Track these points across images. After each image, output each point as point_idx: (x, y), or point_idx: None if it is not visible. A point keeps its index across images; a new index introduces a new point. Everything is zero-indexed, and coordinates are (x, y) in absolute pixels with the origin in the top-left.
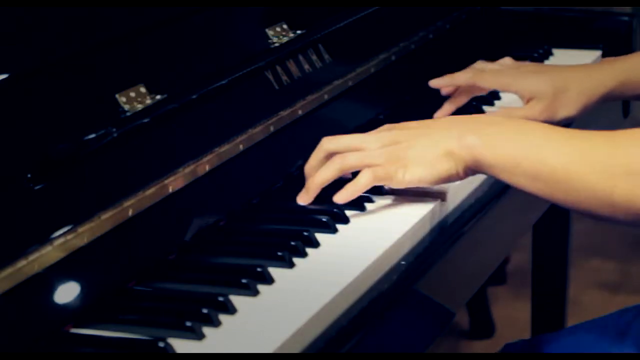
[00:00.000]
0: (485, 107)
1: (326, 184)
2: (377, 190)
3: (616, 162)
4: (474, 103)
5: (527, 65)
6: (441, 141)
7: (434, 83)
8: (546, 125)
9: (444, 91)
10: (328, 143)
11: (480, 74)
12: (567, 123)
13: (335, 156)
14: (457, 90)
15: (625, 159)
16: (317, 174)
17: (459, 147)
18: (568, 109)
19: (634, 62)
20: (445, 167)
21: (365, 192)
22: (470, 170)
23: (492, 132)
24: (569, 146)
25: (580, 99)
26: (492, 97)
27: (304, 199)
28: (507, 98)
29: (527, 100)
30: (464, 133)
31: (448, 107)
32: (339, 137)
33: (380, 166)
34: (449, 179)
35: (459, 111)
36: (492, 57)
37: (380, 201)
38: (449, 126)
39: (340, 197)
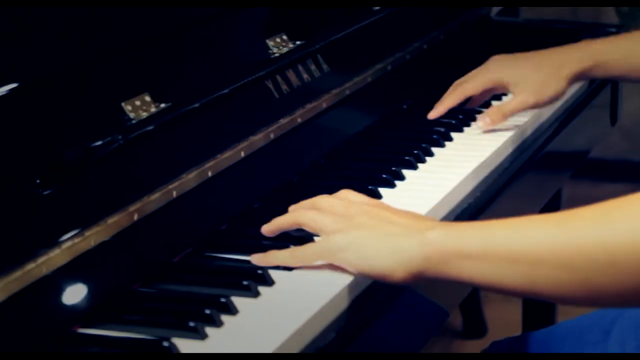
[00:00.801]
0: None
1: (282, 230)
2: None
3: (612, 221)
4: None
5: (498, 58)
6: (394, 237)
7: (432, 116)
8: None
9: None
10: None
11: (463, 86)
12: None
13: (301, 208)
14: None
15: (622, 216)
16: (279, 218)
17: (416, 245)
18: (554, 87)
19: (611, 43)
20: (386, 265)
21: None
22: (416, 275)
23: (459, 227)
24: (551, 221)
25: (563, 75)
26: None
27: (264, 230)
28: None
29: (516, 89)
30: (427, 229)
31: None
32: (315, 198)
33: (325, 235)
34: (382, 278)
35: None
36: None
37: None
38: (413, 220)
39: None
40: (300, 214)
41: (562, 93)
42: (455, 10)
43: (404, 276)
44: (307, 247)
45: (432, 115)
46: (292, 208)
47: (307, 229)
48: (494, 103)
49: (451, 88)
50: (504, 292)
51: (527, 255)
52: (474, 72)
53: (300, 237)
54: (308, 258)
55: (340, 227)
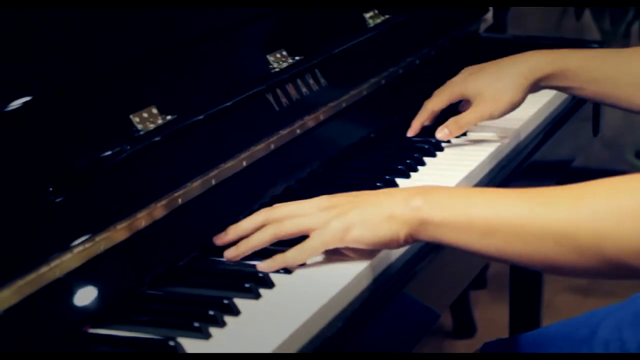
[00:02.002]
0: None
1: (258, 248)
2: None
3: (579, 205)
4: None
5: (467, 69)
6: (385, 204)
7: (410, 134)
8: (493, 188)
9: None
10: (267, 212)
11: (431, 101)
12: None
13: (271, 222)
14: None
15: (588, 202)
16: (253, 237)
17: (403, 209)
18: (509, 97)
19: (571, 53)
20: (387, 230)
21: None
22: (411, 237)
23: (438, 195)
24: (524, 198)
25: (520, 84)
26: None
27: (231, 254)
28: None
29: (474, 101)
30: (408, 197)
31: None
32: (277, 207)
33: (319, 230)
34: (389, 244)
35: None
36: None
37: None
38: (392, 193)
39: (290, 260)
40: (278, 227)
41: (519, 102)
42: (446, 27)
43: (406, 239)
44: (312, 240)
45: (410, 133)
46: (245, 227)
47: (291, 236)
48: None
49: (422, 108)
50: (486, 259)
51: (504, 228)
52: (442, 87)
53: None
54: (316, 249)
55: (330, 216)
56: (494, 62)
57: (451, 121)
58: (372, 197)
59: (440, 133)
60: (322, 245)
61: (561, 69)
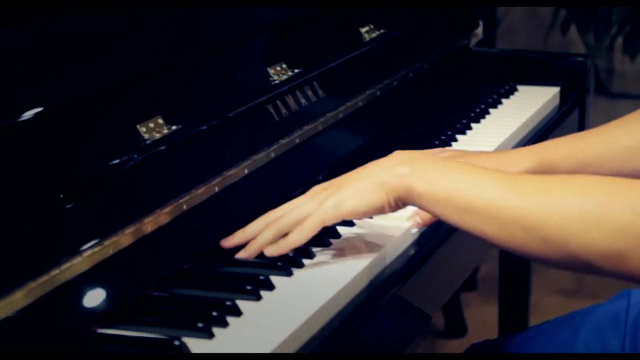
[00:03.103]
0: None
1: (266, 246)
2: None
3: (550, 200)
4: None
5: (444, 152)
6: (372, 173)
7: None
8: (478, 166)
9: None
10: (268, 214)
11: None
12: None
13: (274, 219)
14: None
15: (559, 198)
16: (259, 237)
17: (390, 176)
18: None
19: (553, 143)
20: (377, 196)
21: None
22: (401, 201)
23: (425, 164)
24: (503, 182)
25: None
26: None
27: (242, 255)
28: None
29: None
30: (395, 164)
31: None
32: (280, 208)
33: (317, 212)
34: (382, 209)
35: None
36: (465, 93)
37: (368, 220)
38: (380, 161)
39: (293, 242)
40: (279, 222)
41: None
42: (439, 42)
43: (396, 203)
44: (311, 218)
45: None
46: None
47: (293, 227)
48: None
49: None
50: (467, 231)
51: (480, 209)
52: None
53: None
54: (316, 225)
55: (323, 198)
56: (475, 154)
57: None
58: (360, 170)
59: (414, 220)
60: (319, 222)
61: (548, 162)
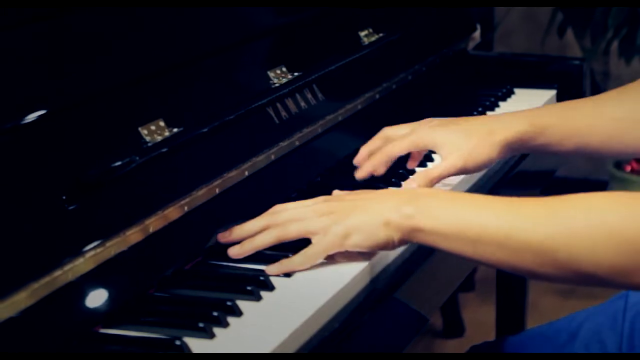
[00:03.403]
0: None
1: (261, 249)
2: None
3: (557, 223)
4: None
5: (434, 120)
6: (380, 212)
7: (358, 176)
8: (482, 195)
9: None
10: (270, 216)
11: (390, 147)
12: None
13: (276, 225)
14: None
15: (565, 220)
16: (257, 238)
17: (397, 217)
18: (484, 153)
19: (546, 108)
20: (383, 236)
21: None
22: (405, 240)
23: (429, 202)
24: (509, 210)
25: (494, 140)
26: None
27: (235, 252)
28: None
29: (443, 152)
30: (401, 204)
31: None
32: (280, 210)
33: (321, 234)
34: (385, 247)
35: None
36: (462, 95)
37: None
38: (386, 198)
39: (299, 264)
40: (281, 230)
41: (494, 159)
42: (437, 45)
43: (400, 242)
44: (315, 246)
45: (358, 175)
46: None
47: (293, 239)
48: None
49: (377, 138)
50: (476, 263)
51: (489, 239)
52: (403, 131)
53: (295, 242)
54: (319, 254)
55: (330, 222)
56: (464, 118)
57: (421, 175)
58: (367, 202)
59: (409, 186)
60: (324, 251)
61: (540, 126)
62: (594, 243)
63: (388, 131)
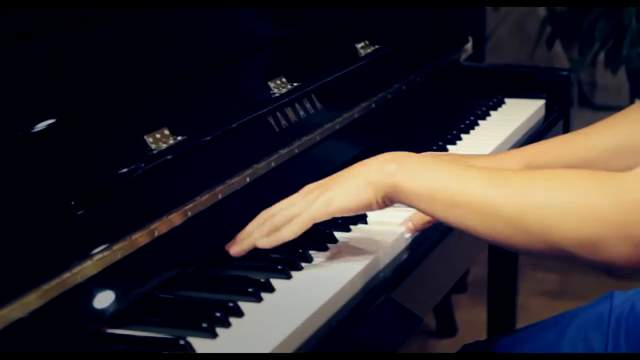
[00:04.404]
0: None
1: (256, 242)
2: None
3: (531, 193)
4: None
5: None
6: (361, 172)
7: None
8: (465, 164)
9: None
10: (263, 213)
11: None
12: None
13: (267, 217)
14: None
15: (539, 191)
16: (254, 233)
17: (378, 175)
18: None
19: (540, 147)
20: (365, 195)
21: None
22: (388, 198)
23: (411, 163)
24: (485, 178)
25: None
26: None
27: (235, 249)
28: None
29: None
30: (383, 162)
31: None
32: (270, 208)
33: (307, 210)
34: (370, 207)
35: None
36: (455, 105)
37: (363, 225)
38: (369, 162)
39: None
40: (272, 220)
41: None
42: (430, 57)
43: (384, 200)
44: (301, 215)
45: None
46: (249, 233)
47: (284, 224)
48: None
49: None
50: (450, 226)
51: (463, 204)
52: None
53: (296, 245)
54: (305, 222)
55: (314, 197)
56: (457, 155)
57: (417, 217)
58: (350, 169)
59: (406, 226)
60: (309, 219)
61: (535, 165)
62: (564, 215)
63: None
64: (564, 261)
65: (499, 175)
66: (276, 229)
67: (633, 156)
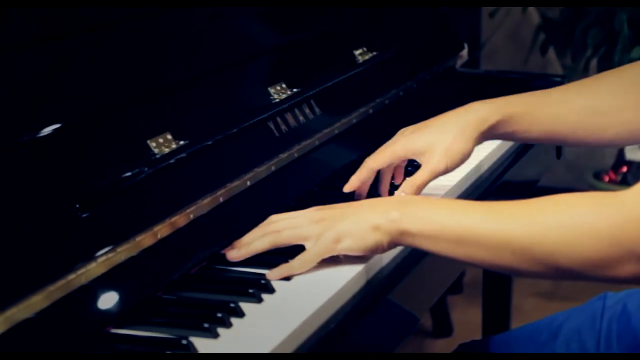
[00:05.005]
0: None
1: (257, 253)
2: None
3: (535, 221)
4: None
5: (407, 129)
6: (369, 217)
7: (346, 189)
8: (463, 200)
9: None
10: (267, 225)
11: (371, 158)
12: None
13: (270, 232)
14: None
15: (540, 219)
16: (254, 243)
17: (385, 221)
18: (460, 148)
19: (516, 98)
20: (373, 240)
21: None
22: (394, 243)
23: (414, 207)
24: (487, 212)
25: (467, 135)
26: None
27: (233, 255)
28: None
29: (424, 158)
30: (389, 209)
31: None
32: (275, 220)
33: (314, 239)
34: (375, 250)
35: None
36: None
37: None
38: (374, 206)
39: (293, 269)
40: (276, 236)
41: (470, 151)
42: (427, 63)
43: (389, 245)
44: (310, 251)
45: (345, 189)
46: (251, 238)
47: (287, 245)
48: None
49: (364, 162)
50: (458, 262)
51: (470, 239)
52: (384, 145)
53: (291, 248)
54: (314, 259)
55: (322, 228)
56: (435, 118)
57: (407, 184)
58: (357, 209)
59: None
60: (318, 256)
61: (508, 114)
62: (568, 239)
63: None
64: (573, 280)
65: (501, 209)
66: (277, 247)
67: (604, 119)
